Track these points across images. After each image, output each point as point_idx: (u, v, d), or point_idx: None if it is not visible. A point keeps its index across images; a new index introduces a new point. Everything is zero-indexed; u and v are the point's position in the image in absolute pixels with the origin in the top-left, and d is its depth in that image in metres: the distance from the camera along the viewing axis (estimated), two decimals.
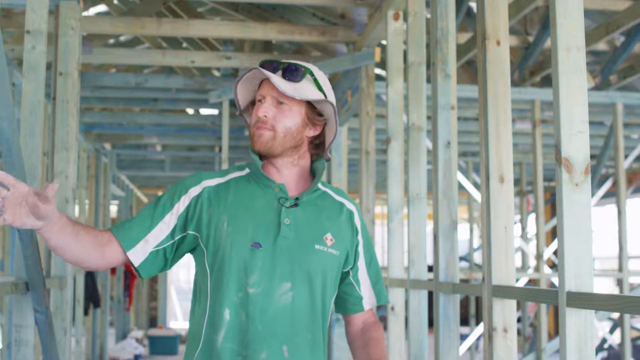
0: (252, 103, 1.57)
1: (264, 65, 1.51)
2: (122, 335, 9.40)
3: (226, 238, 1.46)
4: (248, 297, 1.43)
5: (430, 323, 9.99)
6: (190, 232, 1.49)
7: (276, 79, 1.47)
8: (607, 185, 5.88)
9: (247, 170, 1.56)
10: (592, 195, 5.11)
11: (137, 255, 1.48)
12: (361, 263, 1.61)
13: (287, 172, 1.54)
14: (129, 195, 9.75)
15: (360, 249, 1.60)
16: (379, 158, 7.25)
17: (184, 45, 5.91)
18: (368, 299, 1.63)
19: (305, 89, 1.50)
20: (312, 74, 1.52)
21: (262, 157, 1.53)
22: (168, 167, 8.52)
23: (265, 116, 1.48)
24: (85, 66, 5.64)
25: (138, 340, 9.53)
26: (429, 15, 4.12)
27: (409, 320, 3.10)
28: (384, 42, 4.53)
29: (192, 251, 1.54)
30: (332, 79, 5.15)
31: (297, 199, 1.51)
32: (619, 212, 5.31)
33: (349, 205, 1.61)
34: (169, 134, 6.83)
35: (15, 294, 2.56)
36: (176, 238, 1.50)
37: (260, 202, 1.50)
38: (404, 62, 3.57)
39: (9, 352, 2.66)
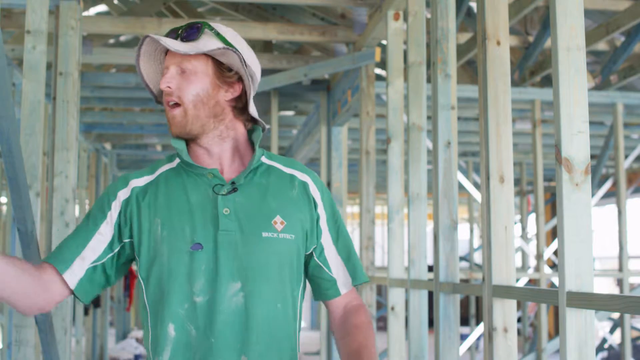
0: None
1: (160, 34, 1.36)
2: (122, 335, 9.40)
3: (162, 244, 1.27)
4: (195, 307, 1.24)
5: (431, 323, 9.99)
6: (126, 240, 1.32)
7: (170, 41, 1.29)
8: (607, 185, 5.87)
9: (177, 161, 1.37)
10: (593, 195, 5.11)
11: (74, 274, 1.29)
12: (326, 240, 1.38)
13: (218, 150, 1.34)
14: None
15: (323, 224, 1.38)
16: (379, 158, 7.25)
17: None
18: (343, 280, 1.40)
19: (206, 45, 1.30)
20: (210, 28, 1.33)
21: (186, 140, 1.34)
22: None
23: (169, 87, 1.29)
24: (86, 66, 5.64)
25: (138, 340, 9.53)
26: (429, 15, 4.13)
27: (409, 320, 3.09)
28: (384, 42, 4.53)
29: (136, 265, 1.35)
30: (333, 79, 5.16)
31: (233, 182, 1.31)
32: (619, 212, 5.31)
33: (301, 176, 1.39)
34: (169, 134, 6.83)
35: None
36: (115, 250, 1.32)
37: (194, 196, 1.30)
38: (404, 62, 3.57)
39: (9, 352, 2.66)
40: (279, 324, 1.30)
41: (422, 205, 3.13)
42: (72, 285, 1.30)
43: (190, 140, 1.35)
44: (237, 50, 1.32)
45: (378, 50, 4.17)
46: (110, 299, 9.67)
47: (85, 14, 5.06)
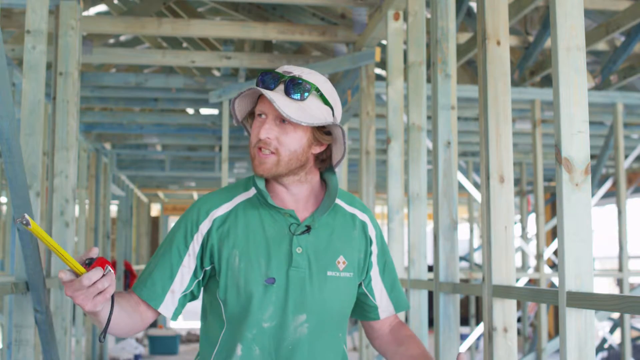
0: (251, 114, 1.45)
1: (264, 78, 1.37)
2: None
3: (239, 274, 1.38)
4: (263, 331, 1.37)
5: (431, 323, 9.99)
6: (207, 267, 1.42)
7: (279, 101, 1.32)
8: (607, 185, 5.88)
9: (253, 191, 1.45)
10: (592, 195, 5.11)
11: (168, 308, 1.40)
12: (374, 273, 1.52)
13: (297, 191, 1.43)
14: (129, 195, 9.76)
15: (374, 259, 1.51)
16: (379, 158, 7.25)
17: (184, 45, 5.91)
18: (385, 307, 1.54)
19: (311, 108, 1.36)
20: (317, 90, 1.37)
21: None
22: (168, 167, 8.52)
23: (268, 138, 1.35)
24: (86, 66, 5.64)
25: (138, 340, 9.53)
26: (429, 15, 4.13)
27: (409, 320, 3.10)
28: (384, 42, 4.53)
29: (205, 288, 1.48)
30: (333, 79, 5.16)
31: (307, 226, 1.41)
32: (619, 212, 5.32)
33: (361, 216, 1.50)
34: (169, 133, 6.84)
35: (16, 294, 2.56)
36: (199, 278, 1.42)
37: (271, 231, 1.40)
38: (404, 62, 3.57)
39: (9, 351, 2.66)
40: (336, 351, 1.44)
41: (422, 205, 3.13)
42: (170, 315, 1.41)
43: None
44: (336, 116, 1.41)
45: (378, 50, 4.17)
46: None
47: (85, 13, 5.06)
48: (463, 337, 8.51)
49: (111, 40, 6.11)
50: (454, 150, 2.73)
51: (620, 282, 5.38)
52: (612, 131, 5.26)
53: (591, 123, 5.86)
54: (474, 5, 4.95)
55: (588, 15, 4.76)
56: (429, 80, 4.24)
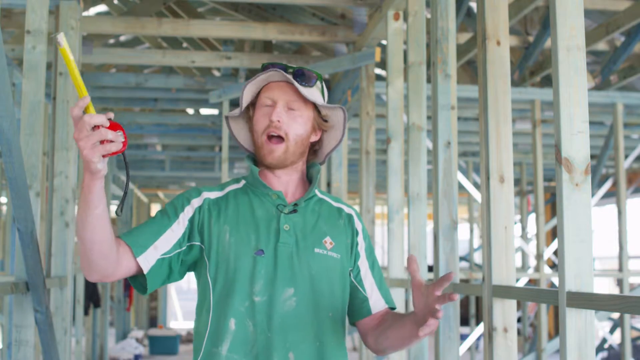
0: (251, 104, 1.53)
1: (269, 67, 1.48)
2: (122, 335, 9.40)
3: (229, 249, 1.44)
4: (254, 305, 1.41)
5: None
6: (196, 243, 1.47)
7: (297, 84, 1.46)
8: (607, 185, 5.88)
9: (243, 182, 1.55)
10: (592, 195, 5.11)
11: (147, 261, 1.41)
12: (363, 264, 1.56)
13: (287, 178, 1.52)
14: (129, 196, 9.76)
15: (361, 250, 1.56)
16: (379, 158, 7.25)
17: (184, 45, 5.91)
18: (374, 300, 1.55)
19: (316, 94, 1.49)
20: (321, 80, 1.52)
21: (266, 166, 1.51)
22: (168, 167, 8.52)
23: (279, 121, 1.45)
24: (86, 66, 5.64)
25: (138, 340, 9.54)
26: (429, 15, 4.13)
27: None
28: (384, 42, 4.53)
29: (194, 267, 1.50)
30: (333, 79, 5.16)
31: (295, 204, 1.49)
32: (619, 212, 5.32)
33: (347, 209, 1.58)
34: (169, 133, 6.84)
35: (16, 294, 2.56)
36: (184, 247, 1.46)
37: (260, 211, 1.48)
38: (404, 62, 3.57)
39: (9, 352, 2.66)
40: (325, 331, 1.45)
41: (422, 205, 3.13)
42: (146, 270, 1.41)
43: (266, 167, 1.51)
44: (344, 110, 1.53)
45: (378, 51, 4.17)
46: (110, 299, 9.67)
47: (85, 14, 5.06)
48: (463, 337, 8.51)
49: (111, 41, 6.11)
50: (454, 150, 2.73)
51: (620, 282, 5.38)
52: (612, 131, 5.26)
53: (591, 123, 5.86)
54: (474, 5, 4.95)
55: (588, 15, 4.76)
56: (429, 81, 4.23)
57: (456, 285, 2.60)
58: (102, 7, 6.01)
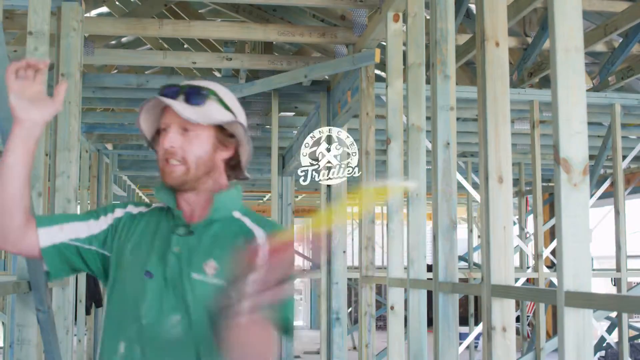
0: (159, 132, 1.44)
1: (164, 90, 1.40)
2: None
3: (125, 267, 1.39)
4: (142, 328, 1.34)
5: (430, 322, 9.98)
6: (104, 252, 1.42)
7: (178, 105, 1.36)
8: (605, 185, 5.89)
9: None
10: (591, 195, 5.12)
11: (48, 235, 1.37)
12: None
13: (195, 199, 1.42)
14: (130, 196, 9.76)
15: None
16: (379, 158, 7.25)
17: (185, 46, 5.93)
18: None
19: (211, 111, 1.39)
20: (215, 94, 1.41)
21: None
22: None
23: (172, 147, 1.37)
24: (87, 67, 5.66)
25: None
26: (428, 17, 4.14)
27: (408, 319, 3.11)
28: (383, 43, 4.55)
29: (104, 280, 1.45)
30: (333, 80, 5.17)
31: (188, 225, 1.40)
32: (617, 213, 5.33)
33: (258, 232, 1.41)
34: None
35: (18, 294, 2.57)
36: (91, 247, 1.41)
37: (162, 231, 1.41)
38: (403, 63, 3.59)
39: (11, 351, 2.67)
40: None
41: (422, 205, 3.14)
42: (42, 244, 1.37)
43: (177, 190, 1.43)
44: (241, 123, 1.42)
45: (378, 52, 4.19)
46: None
47: (86, 15, 5.07)
48: (462, 337, 8.52)
49: (112, 42, 6.12)
50: (453, 150, 2.74)
51: (618, 282, 5.40)
52: (610, 132, 5.28)
53: (589, 124, 5.85)
54: (473, 6, 4.97)
55: (586, 16, 4.78)
56: (428, 81, 4.25)
57: (455, 284, 2.61)
58: (103, 9, 6.02)
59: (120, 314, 1.37)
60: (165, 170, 1.39)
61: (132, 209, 1.46)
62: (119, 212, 1.44)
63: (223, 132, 1.41)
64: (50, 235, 1.38)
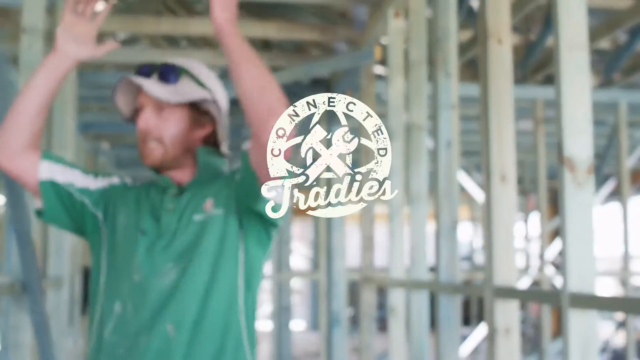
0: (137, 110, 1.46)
1: (138, 70, 1.41)
2: None
3: (118, 230, 1.41)
4: (134, 284, 1.35)
5: (432, 324, 9.96)
6: (93, 210, 1.43)
7: (149, 85, 1.37)
8: (611, 184, 5.85)
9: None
10: (595, 194, 5.08)
11: (48, 170, 1.40)
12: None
13: (179, 174, 1.45)
14: None
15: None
16: None
17: (183, 43, 5.89)
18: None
19: (183, 89, 1.40)
20: (189, 72, 1.42)
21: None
22: None
23: (147, 127, 1.39)
24: (84, 65, 5.62)
25: None
26: (430, 14, 4.10)
27: (409, 321, 3.08)
28: (384, 40, 4.51)
29: (91, 245, 1.46)
30: (333, 78, 5.14)
31: (180, 185, 1.43)
32: (623, 212, 5.29)
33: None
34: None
35: (12, 295, 2.55)
36: (83, 199, 1.43)
37: (153, 196, 1.43)
38: (404, 61, 3.55)
39: (5, 353, 2.64)
40: (214, 297, 1.35)
41: (423, 205, 3.11)
42: (41, 175, 1.39)
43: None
44: (216, 99, 1.42)
45: (378, 49, 4.15)
46: None
47: None
48: (464, 338, 8.48)
49: (109, 39, 6.09)
50: (455, 149, 2.72)
51: (624, 282, 5.36)
52: (615, 130, 5.24)
53: (594, 122, 5.83)
54: (475, 3, 4.92)
55: (590, 13, 4.73)
56: (429, 79, 4.21)
57: (457, 286, 2.58)
58: (99, 6, 5.98)
59: (114, 275, 1.38)
60: (144, 151, 1.41)
61: (127, 180, 1.50)
62: (115, 180, 1.48)
63: (198, 109, 1.42)
64: (52, 172, 1.41)
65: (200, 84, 1.42)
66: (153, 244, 1.37)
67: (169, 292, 1.33)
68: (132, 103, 1.46)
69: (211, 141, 1.46)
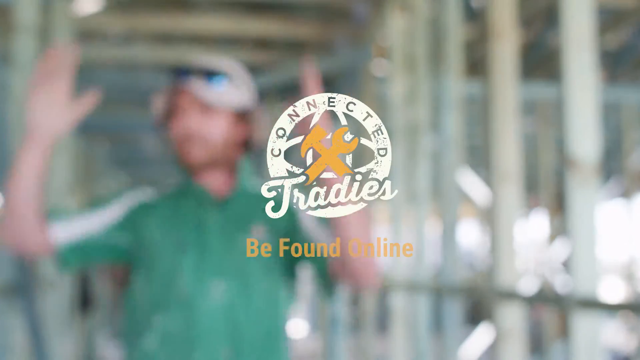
0: (168, 111, 1.47)
1: (182, 71, 1.43)
2: (115, 338, 9.38)
3: (155, 245, 1.41)
4: (179, 300, 1.37)
5: (435, 326, 9.95)
6: (125, 238, 1.43)
7: (200, 89, 1.40)
8: (616, 184, 5.81)
9: (173, 187, 1.52)
10: (600, 194, 5.05)
11: (61, 232, 1.38)
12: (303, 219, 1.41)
13: (214, 175, 1.46)
14: None
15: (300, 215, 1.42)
16: None
17: (182, 41, 5.88)
18: (325, 237, 1.36)
19: (229, 95, 1.43)
20: (233, 77, 1.44)
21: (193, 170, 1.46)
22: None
23: (191, 128, 1.41)
24: (82, 64, 5.60)
25: None
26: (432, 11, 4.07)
27: (411, 323, 3.05)
28: (385, 38, 4.48)
29: (129, 264, 1.46)
30: (333, 76, 5.10)
31: (222, 199, 1.45)
32: (628, 212, 5.26)
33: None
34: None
35: (4, 298, 2.53)
36: (108, 240, 1.43)
37: (187, 206, 1.44)
38: (406, 59, 3.52)
39: None
40: (264, 323, 1.40)
41: (424, 206, 3.08)
42: (56, 241, 1.37)
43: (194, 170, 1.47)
44: (257, 104, 1.48)
45: (379, 47, 4.13)
46: (103, 301, 9.65)
47: (77, 9, 5.02)
48: (467, 341, 8.46)
49: (105, 37, 6.07)
50: (457, 148, 2.70)
51: (629, 282, 5.32)
52: (621, 129, 5.20)
53: (599, 121, 5.80)
54: (475, 2, 4.89)
55: (596, 11, 4.71)
56: (432, 77, 4.18)
57: (460, 288, 2.55)
58: (95, 2, 5.96)
59: (154, 291, 1.39)
60: (184, 150, 1.42)
61: (142, 197, 1.48)
62: (129, 199, 1.46)
63: (240, 114, 1.46)
64: (65, 232, 1.40)
65: (242, 88, 1.46)
66: (199, 260, 1.39)
67: (223, 312, 1.37)
68: (164, 105, 1.47)
69: (246, 141, 1.49)
